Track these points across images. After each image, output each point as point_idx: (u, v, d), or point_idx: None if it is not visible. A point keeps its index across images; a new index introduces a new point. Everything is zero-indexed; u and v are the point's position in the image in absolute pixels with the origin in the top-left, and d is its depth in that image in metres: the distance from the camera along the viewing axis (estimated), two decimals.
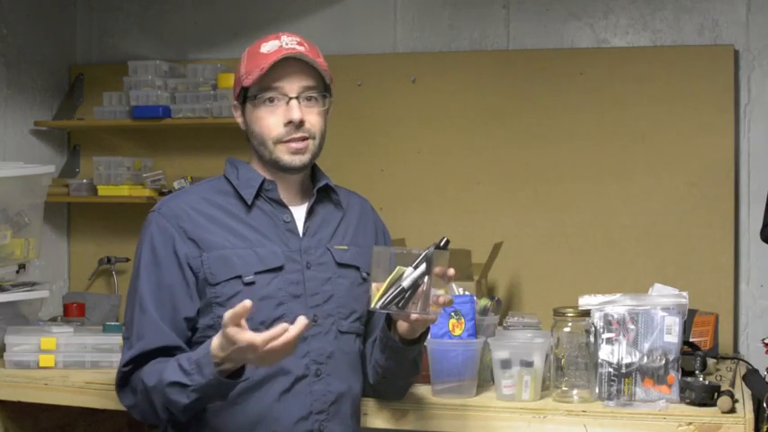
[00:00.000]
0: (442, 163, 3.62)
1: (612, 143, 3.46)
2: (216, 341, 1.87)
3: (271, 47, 2.09)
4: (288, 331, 1.80)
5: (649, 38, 3.49)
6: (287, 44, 2.09)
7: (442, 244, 1.98)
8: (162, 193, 3.65)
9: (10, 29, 3.68)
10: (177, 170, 3.78)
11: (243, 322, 1.82)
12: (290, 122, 2.08)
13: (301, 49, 2.10)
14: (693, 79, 3.38)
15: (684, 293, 2.47)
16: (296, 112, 2.07)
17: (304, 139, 2.10)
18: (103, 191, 3.76)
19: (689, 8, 3.45)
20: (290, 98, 2.08)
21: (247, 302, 1.80)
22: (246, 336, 1.81)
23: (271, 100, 2.09)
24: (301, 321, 1.82)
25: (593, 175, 3.48)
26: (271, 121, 2.09)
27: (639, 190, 3.43)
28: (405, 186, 3.65)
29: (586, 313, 2.42)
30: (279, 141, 2.10)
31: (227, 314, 1.81)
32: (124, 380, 2.08)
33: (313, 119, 2.11)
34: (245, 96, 2.12)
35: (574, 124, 3.50)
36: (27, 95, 3.80)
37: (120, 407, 2.14)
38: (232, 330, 1.81)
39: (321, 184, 2.20)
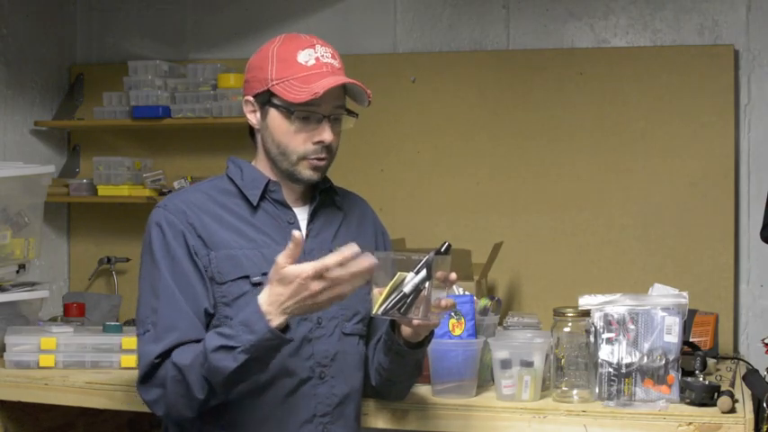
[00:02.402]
0: (442, 163, 3.62)
1: (612, 143, 3.46)
2: (263, 297, 1.85)
3: (307, 57, 2.05)
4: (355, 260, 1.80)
5: (649, 38, 3.49)
6: (323, 57, 2.06)
7: (443, 249, 1.96)
8: (162, 194, 3.65)
9: (10, 29, 3.68)
10: (177, 170, 3.77)
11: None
12: (319, 142, 2.06)
13: (336, 63, 2.07)
14: (693, 79, 3.38)
15: (684, 293, 2.46)
16: (328, 134, 2.05)
17: (325, 158, 2.09)
18: (103, 191, 3.76)
19: (689, 8, 3.45)
20: (323, 117, 2.06)
21: (297, 233, 1.81)
22: (308, 265, 1.80)
23: (306, 117, 2.05)
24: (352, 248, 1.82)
25: (593, 174, 3.48)
26: (300, 137, 2.06)
27: (639, 190, 3.43)
28: (405, 186, 3.65)
29: (586, 313, 2.42)
30: (303, 158, 2.07)
31: (281, 256, 1.81)
32: (150, 374, 2.00)
33: (335, 138, 2.09)
34: (269, 99, 2.07)
35: (574, 124, 3.50)
36: (27, 95, 3.80)
37: (120, 407, 2.13)
38: (290, 268, 1.80)
39: (325, 186, 2.18)
